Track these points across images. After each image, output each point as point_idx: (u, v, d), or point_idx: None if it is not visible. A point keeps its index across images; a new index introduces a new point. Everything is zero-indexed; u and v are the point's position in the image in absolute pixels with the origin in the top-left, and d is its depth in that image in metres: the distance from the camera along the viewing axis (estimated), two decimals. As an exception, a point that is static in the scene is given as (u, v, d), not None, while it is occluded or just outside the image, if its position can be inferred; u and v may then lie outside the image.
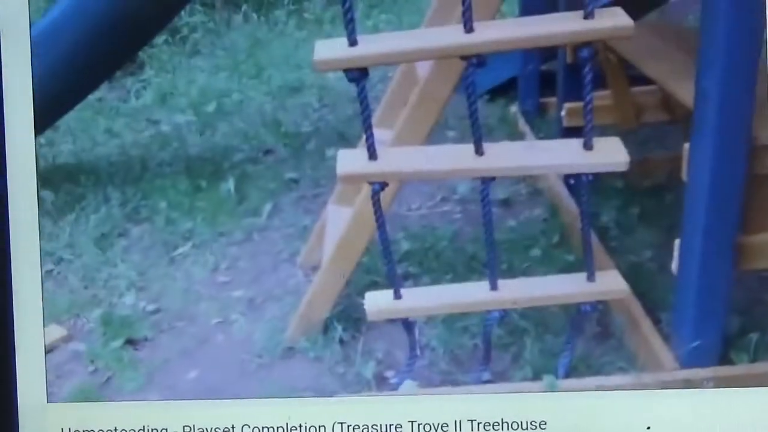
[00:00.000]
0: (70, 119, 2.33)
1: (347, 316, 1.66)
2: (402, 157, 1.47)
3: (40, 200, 1.14)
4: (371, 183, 1.40)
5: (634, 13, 1.34)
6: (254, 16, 3.03)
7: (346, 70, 1.33)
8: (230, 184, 2.12)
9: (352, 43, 1.32)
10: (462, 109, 1.41)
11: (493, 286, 1.47)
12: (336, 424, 1.11)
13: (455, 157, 1.42)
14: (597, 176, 1.37)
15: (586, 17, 1.29)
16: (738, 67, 1.34)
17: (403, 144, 1.59)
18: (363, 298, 1.51)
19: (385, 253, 1.46)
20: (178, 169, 2.23)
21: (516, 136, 2.39)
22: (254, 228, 2.00)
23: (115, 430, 1.12)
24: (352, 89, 1.36)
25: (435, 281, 1.76)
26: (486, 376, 1.54)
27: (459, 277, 1.76)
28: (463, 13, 1.29)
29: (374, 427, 1.11)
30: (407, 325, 1.51)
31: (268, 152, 2.34)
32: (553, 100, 2.32)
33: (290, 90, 2.66)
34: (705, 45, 1.36)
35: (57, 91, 1.98)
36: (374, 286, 1.70)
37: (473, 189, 1.99)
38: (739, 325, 1.54)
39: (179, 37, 2.88)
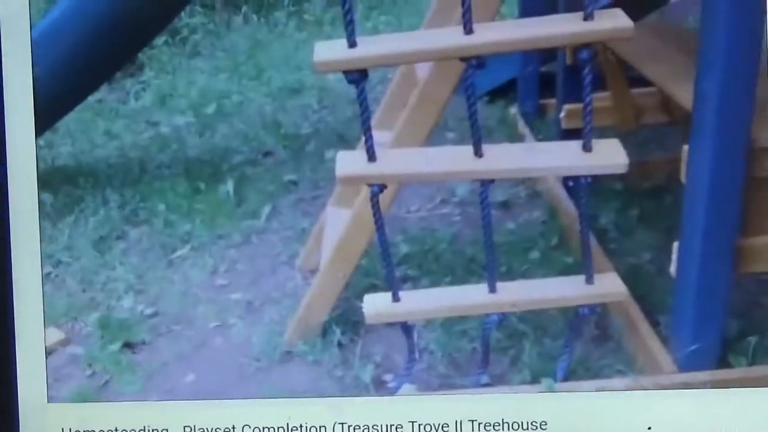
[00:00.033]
0: (69, 121, 2.33)
1: (346, 320, 1.66)
2: (401, 158, 1.47)
3: (40, 203, 1.14)
4: (370, 185, 1.39)
5: (634, 14, 1.34)
6: (254, 17, 3.03)
7: (346, 72, 1.33)
8: (229, 186, 2.12)
9: (352, 44, 1.32)
10: (461, 110, 1.41)
11: (492, 289, 1.46)
12: (336, 425, 1.11)
13: (454, 159, 1.41)
14: (596, 178, 1.37)
15: (585, 19, 1.29)
16: (738, 69, 1.33)
17: (403, 146, 1.59)
18: (361, 301, 1.51)
19: (384, 255, 1.45)
20: (177, 171, 2.23)
21: (515, 137, 2.39)
22: (253, 230, 1.99)
23: (116, 430, 1.12)
24: (352, 91, 1.36)
25: (434, 284, 1.76)
26: (484, 379, 1.53)
27: (458, 280, 1.76)
28: (463, 15, 1.29)
29: (375, 427, 1.11)
30: (406, 328, 1.51)
31: (267, 154, 2.34)
32: (552, 101, 2.32)
33: (290, 91, 2.66)
34: (705, 46, 1.36)
35: (56, 93, 1.98)
36: (373, 289, 1.69)
37: (472, 191, 1.99)
38: (738, 328, 1.54)
39: (179, 39, 2.88)
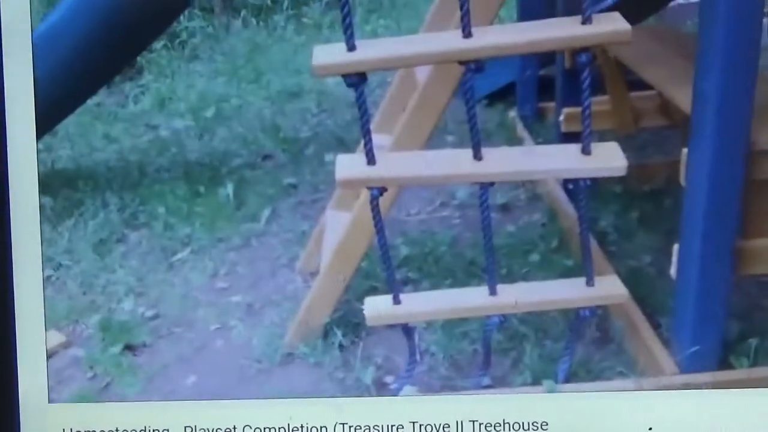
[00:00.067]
0: (68, 124, 2.33)
1: (347, 322, 1.66)
2: (401, 162, 1.47)
3: (40, 206, 1.14)
4: (370, 188, 1.39)
5: (633, 18, 1.34)
6: (253, 21, 3.04)
7: (345, 75, 1.33)
8: (229, 189, 2.12)
9: (351, 48, 1.32)
10: (461, 113, 1.42)
11: (493, 291, 1.46)
12: (338, 425, 1.11)
13: (454, 162, 1.42)
14: (595, 181, 1.37)
15: (584, 22, 1.29)
16: (736, 71, 1.34)
17: (402, 149, 1.59)
18: (362, 303, 1.51)
19: (384, 258, 1.45)
20: (176, 175, 2.23)
21: (515, 140, 2.40)
22: (253, 233, 2.00)
23: (116, 430, 1.12)
24: (351, 94, 1.36)
25: (434, 286, 1.76)
26: (486, 381, 1.54)
27: (458, 282, 1.76)
28: (462, 19, 1.29)
29: (375, 427, 1.11)
30: (407, 330, 1.51)
31: (266, 157, 2.34)
32: (551, 105, 2.32)
33: (289, 95, 2.67)
34: (703, 48, 1.36)
35: (55, 96, 1.98)
36: (373, 291, 1.70)
37: (472, 194, 1.99)
38: (739, 330, 1.54)
39: (178, 42, 2.89)
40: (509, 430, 1.11)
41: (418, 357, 1.54)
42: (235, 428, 1.12)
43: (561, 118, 2.09)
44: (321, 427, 1.12)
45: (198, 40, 2.93)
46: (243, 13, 3.04)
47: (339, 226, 1.69)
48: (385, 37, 2.65)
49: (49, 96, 1.83)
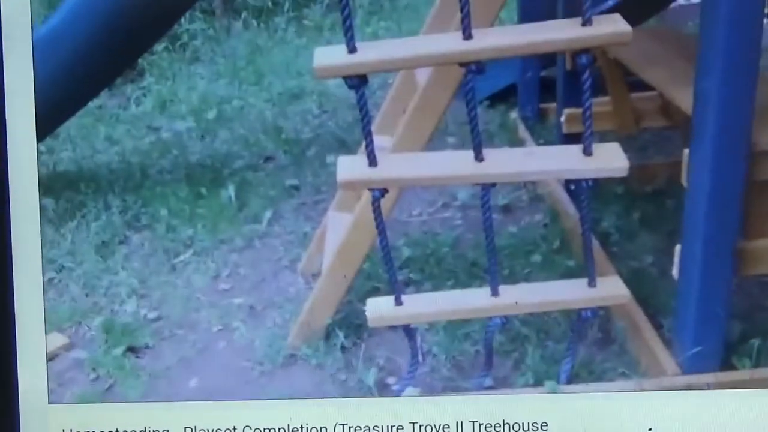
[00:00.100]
0: (70, 126, 2.33)
1: (349, 323, 1.66)
2: (402, 163, 1.47)
3: (41, 208, 1.14)
4: (371, 189, 1.40)
5: (634, 19, 1.34)
6: (254, 23, 3.04)
7: (346, 77, 1.33)
8: (231, 191, 2.12)
9: (352, 50, 1.32)
10: (462, 115, 1.42)
11: (494, 292, 1.47)
12: (338, 425, 1.11)
13: (455, 164, 1.42)
14: (597, 182, 1.37)
15: (584, 24, 1.29)
16: (737, 71, 1.34)
17: (403, 150, 1.59)
18: (364, 304, 1.51)
19: (386, 259, 1.46)
20: (178, 176, 2.23)
21: (516, 142, 2.40)
22: (255, 235, 2.00)
23: (116, 431, 1.12)
24: (352, 96, 1.37)
25: (436, 287, 1.76)
26: (488, 382, 1.54)
27: (460, 284, 1.76)
28: (462, 20, 1.30)
29: (375, 428, 1.11)
30: (409, 331, 1.51)
31: (268, 159, 2.34)
32: (552, 106, 2.32)
33: (290, 97, 2.67)
34: (704, 49, 1.36)
35: (57, 98, 1.99)
36: (375, 292, 1.70)
37: (474, 195, 1.99)
38: (741, 330, 1.54)
39: (179, 44, 2.89)
40: (509, 430, 1.11)
41: (420, 358, 1.54)
42: (235, 429, 1.12)
43: (562, 119, 2.10)
44: (321, 428, 1.12)
45: (199, 42, 2.93)
46: (244, 15, 3.04)
47: (341, 228, 1.69)
48: (385, 39, 2.65)
49: (51, 98, 1.84)
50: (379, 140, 1.47)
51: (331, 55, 1.35)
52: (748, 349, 1.50)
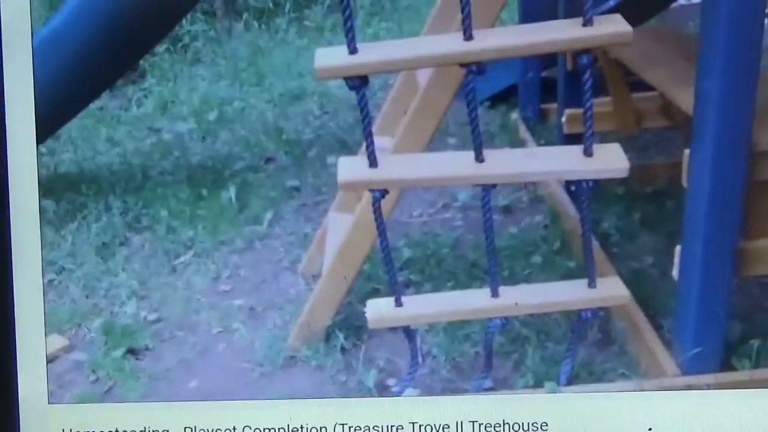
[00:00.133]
0: (71, 128, 2.33)
1: (349, 324, 1.66)
2: (403, 164, 1.47)
3: (42, 209, 1.14)
4: (372, 190, 1.40)
5: (635, 19, 1.34)
6: (255, 24, 3.05)
7: (347, 78, 1.33)
8: (231, 192, 2.12)
9: (353, 51, 1.32)
10: (463, 116, 1.42)
11: (495, 293, 1.47)
12: (337, 425, 1.11)
13: (456, 164, 1.42)
14: (597, 182, 1.37)
15: (585, 24, 1.29)
16: (738, 72, 1.34)
17: (404, 151, 1.59)
18: (364, 305, 1.51)
19: (386, 260, 1.46)
20: (179, 178, 2.23)
21: (517, 142, 2.40)
22: (255, 236, 2.00)
23: (116, 431, 1.12)
24: (353, 97, 1.37)
25: (436, 288, 1.76)
26: (487, 383, 1.54)
27: (460, 285, 1.76)
28: (463, 21, 1.30)
29: (375, 428, 1.11)
30: (409, 332, 1.51)
31: (269, 160, 2.34)
32: (553, 106, 2.32)
33: (291, 98, 2.67)
34: (705, 49, 1.36)
35: (58, 100, 1.99)
36: (376, 293, 1.70)
37: (474, 196, 1.99)
38: (741, 331, 1.54)
39: (180, 46, 2.89)
40: (509, 430, 1.11)
41: (420, 360, 1.54)
42: (234, 429, 1.12)
43: (563, 119, 2.09)
44: (321, 428, 1.12)
45: (200, 43, 2.94)
46: (245, 16, 3.04)
47: (341, 229, 1.69)
48: (386, 40, 2.65)
49: (52, 100, 1.84)
50: (379, 141, 1.47)
51: (332, 56, 1.35)
52: (747, 350, 1.50)
